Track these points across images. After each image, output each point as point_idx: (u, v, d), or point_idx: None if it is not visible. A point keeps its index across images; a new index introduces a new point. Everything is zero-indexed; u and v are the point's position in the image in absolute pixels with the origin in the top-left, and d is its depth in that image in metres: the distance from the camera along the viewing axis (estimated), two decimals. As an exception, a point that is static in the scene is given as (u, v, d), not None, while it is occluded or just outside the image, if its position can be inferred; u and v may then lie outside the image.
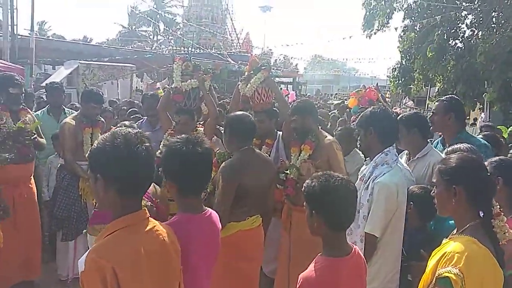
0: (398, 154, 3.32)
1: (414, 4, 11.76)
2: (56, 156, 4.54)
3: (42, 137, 4.13)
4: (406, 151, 3.25)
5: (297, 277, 3.27)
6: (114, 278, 1.37)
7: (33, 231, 3.95)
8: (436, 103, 3.54)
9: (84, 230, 4.08)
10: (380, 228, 2.47)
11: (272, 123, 3.90)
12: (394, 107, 16.73)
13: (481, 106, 11.06)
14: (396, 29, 12.35)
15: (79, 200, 4.04)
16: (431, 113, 3.70)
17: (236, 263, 2.84)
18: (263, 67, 3.85)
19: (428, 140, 3.24)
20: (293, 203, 3.34)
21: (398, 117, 3.08)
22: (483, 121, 12.20)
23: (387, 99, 19.82)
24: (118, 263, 1.38)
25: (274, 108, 4.01)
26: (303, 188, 1.85)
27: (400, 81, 13.16)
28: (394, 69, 13.40)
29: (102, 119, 4.41)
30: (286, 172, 3.35)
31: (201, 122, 4.21)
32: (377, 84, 16.26)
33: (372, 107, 2.89)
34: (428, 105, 15.69)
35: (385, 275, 2.53)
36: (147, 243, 1.49)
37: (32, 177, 4.02)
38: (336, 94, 32.84)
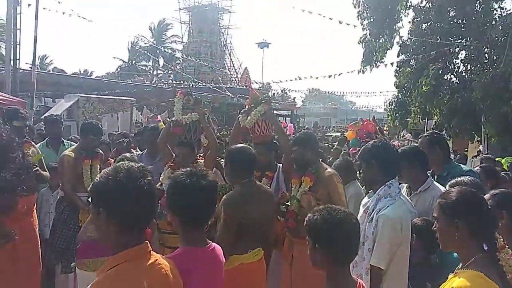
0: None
1: (409, 41, 12.05)
2: (48, 189, 4.52)
3: (45, 170, 4.13)
4: (405, 185, 3.25)
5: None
6: None
7: (33, 265, 3.87)
8: (420, 140, 3.68)
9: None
10: (386, 260, 2.47)
11: (272, 156, 3.93)
12: (392, 140, 16.88)
13: (479, 138, 11.14)
14: (392, 64, 12.62)
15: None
16: None
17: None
18: (263, 101, 3.91)
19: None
20: (294, 236, 3.31)
21: (399, 151, 3.11)
22: (482, 154, 12.29)
23: (384, 132, 20.00)
24: None
25: (274, 141, 4.05)
26: (305, 221, 1.85)
27: (397, 115, 13.31)
28: (391, 103, 13.58)
29: (101, 151, 4.42)
30: (286, 204, 3.34)
31: (201, 154, 4.24)
32: (373, 116, 16.44)
33: (372, 140, 2.91)
34: (425, 137, 15.80)
35: None
36: (149, 277, 1.47)
37: (34, 209, 3.99)
38: (334, 126, 33.15)
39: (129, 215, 1.47)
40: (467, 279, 1.63)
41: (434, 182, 3.07)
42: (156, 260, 1.55)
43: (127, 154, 5.14)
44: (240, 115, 4.07)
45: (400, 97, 13.03)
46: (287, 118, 30.81)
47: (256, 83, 30.21)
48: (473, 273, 1.65)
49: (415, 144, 3.29)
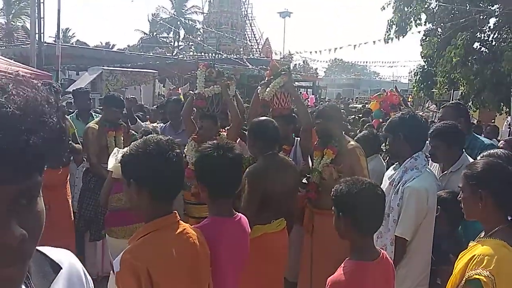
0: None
1: (437, 8, 11.60)
2: (73, 163, 4.63)
3: (78, 143, 4.24)
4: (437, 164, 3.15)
5: (319, 280, 3.29)
6: (148, 278, 1.43)
7: (67, 235, 4.04)
8: (443, 109, 3.51)
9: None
10: (411, 231, 2.49)
11: (290, 129, 3.90)
12: (416, 111, 16.56)
13: (508, 109, 10.82)
14: (419, 32, 12.24)
15: None
16: (438, 119, 3.65)
17: (261, 266, 2.84)
18: (283, 72, 3.87)
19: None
20: (315, 207, 3.36)
21: (435, 131, 2.97)
22: (509, 125, 11.94)
23: (409, 103, 19.58)
24: (152, 265, 1.45)
25: (293, 114, 4.03)
26: (332, 192, 1.87)
27: (423, 85, 12.99)
28: (416, 73, 13.24)
29: (124, 123, 4.49)
30: (308, 175, 3.36)
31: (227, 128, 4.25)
32: (395, 86, 16.05)
33: (400, 112, 2.86)
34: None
35: (414, 278, 2.54)
36: (178, 245, 1.55)
37: (67, 181, 4.13)
38: (357, 97, 32.61)
39: (159, 186, 1.53)
40: (491, 247, 1.65)
41: (468, 159, 2.87)
42: (184, 229, 1.62)
43: (150, 126, 5.21)
44: (259, 87, 4.04)
45: (426, 67, 12.68)
46: (308, 90, 30.47)
47: (276, 54, 29.89)
48: (497, 242, 1.68)
49: (448, 123, 3.02)
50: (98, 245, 4.25)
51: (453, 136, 2.89)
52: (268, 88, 3.82)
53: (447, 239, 2.51)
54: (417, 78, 13.15)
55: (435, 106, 17.13)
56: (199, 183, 1.93)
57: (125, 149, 1.62)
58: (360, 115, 9.17)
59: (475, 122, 9.79)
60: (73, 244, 4.12)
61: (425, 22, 12.27)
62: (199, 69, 4.13)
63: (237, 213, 2.01)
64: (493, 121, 13.75)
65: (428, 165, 3.28)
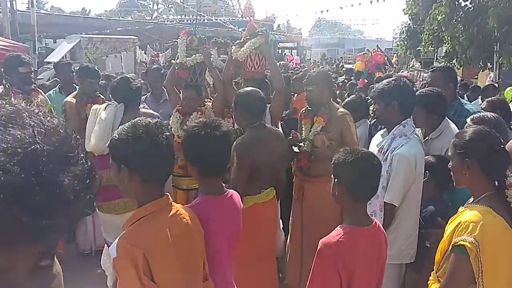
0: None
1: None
2: None
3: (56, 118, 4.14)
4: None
5: (311, 246, 3.35)
6: (145, 262, 1.45)
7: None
8: (431, 73, 3.41)
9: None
10: (399, 197, 2.52)
11: None
12: (401, 70, 16.53)
13: (491, 65, 10.87)
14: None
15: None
16: (426, 83, 3.57)
17: (253, 236, 2.87)
18: (260, 33, 3.71)
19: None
20: (306, 175, 3.37)
21: (418, 97, 2.90)
22: (492, 81, 12.03)
23: (393, 62, 19.53)
24: (148, 249, 1.46)
25: (266, 80, 3.91)
26: (332, 160, 1.90)
27: (408, 43, 12.92)
28: (401, 32, 13.11)
29: (101, 95, 4.37)
30: (299, 144, 3.33)
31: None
32: (377, 46, 15.85)
33: (393, 79, 2.77)
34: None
35: (403, 241, 2.59)
36: (172, 227, 1.55)
37: None
38: (342, 57, 32.39)
39: (150, 170, 1.52)
40: (476, 213, 1.71)
41: (448, 126, 2.89)
42: (177, 210, 1.62)
43: None
44: (233, 46, 3.86)
45: (411, 25, 12.55)
46: (293, 51, 30.11)
47: (254, 15, 29.11)
48: (483, 208, 1.73)
49: (432, 90, 2.94)
50: (89, 220, 4.22)
51: (434, 104, 2.87)
52: (243, 48, 3.65)
53: (435, 202, 2.55)
54: (403, 37, 13.04)
55: (419, 64, 17.17)
56: (188, 162, 1.91)
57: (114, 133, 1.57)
58: (347, 78, 9.10)
59: (459, 80, 9.81)
60: None
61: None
62: (179, 37, 3.96)
63: (228, 190, 2.00)
64: (476, 77, 13.85)
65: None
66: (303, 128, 3.47)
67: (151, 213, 1.53)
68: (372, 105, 2.81)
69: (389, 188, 2.53)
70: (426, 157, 2.68)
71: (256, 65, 3.69)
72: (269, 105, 3.67)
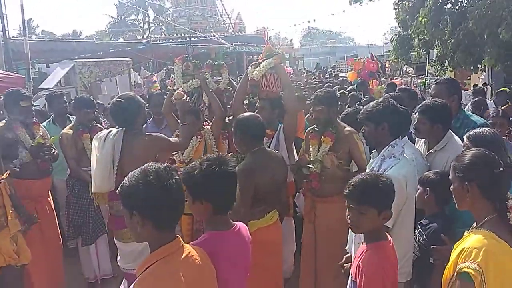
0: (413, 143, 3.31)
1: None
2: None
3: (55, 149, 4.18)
4: (422, 140, 3.16)
5: (324, 266, 3.37)
6: None
7: (55, 243, 4.03)
8: (435, 86, 3.43)
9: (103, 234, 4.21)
10: (392, 219, 2.49)
11: (274, 113, 3.81)
12: (394, 77, 16.65)
13: (482, 67, 10.96)
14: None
15: (92, 205, 4.11)
16: (430, 96, 3.61)
17: (259, 260, 2.87)
18: (276, 54, 3.78)
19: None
20: (317, 196, 3.39)
21: (423, 106, 2.94)
22: (484, 83, 12.12)
23: (386, 68, 19.66)
24: None
25: (280, 100, 3.94)
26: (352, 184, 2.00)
27: (400, 50, 13.02)
28: (392, 40, 13.22)
29: (99, 124, 4.39)
30: (308, 166, 3.34)
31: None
32: (371, 54, 16.00)
33: (381, 100, 2.78)
34: (428, 70, 15.58)
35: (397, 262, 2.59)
36: (185, 270, 1.55)
37: (50, 190, 4.09)
38: (335, 66, 32.61)
39: (162, 215, 1.53)
40: (479, 239, 1.70)
41: (453, 137, 2.90)
42: (189, 252, 1.63)
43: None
44: (249, 67, 3.93)
45: (401, 32, 12.66)
46: (285, 62, 30.21)
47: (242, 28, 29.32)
48: (486, 233, 1.72)
49: (438, 101, 2.99)
50: (92, 249, 4.25)
51: (439, 115, 2.89)
52: (259, 67, 3.71)
53: (437, 219, 2.56)
54: (395, 44, 13.14)
55: (412, 69, 17.31)
56: (198, 200, 1.88)
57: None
58: (348, 89, 9.12)
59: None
60: (60, 252, 4.13)
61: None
62: (175, 63, 4.03)
63: (235, 223, 2.00)
64: (468, 78, 13.96)
65: (415, 140, 3.33)
66: (311, 149, 3.50)
67: (164, 257, 1.54)
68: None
69: None
70: (426, 173, 2.69)
71: (271, 84, 3.73)
72: (282, 125, 3.76)
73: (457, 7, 10.37)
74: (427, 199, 2.60)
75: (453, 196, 1.90)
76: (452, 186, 1.90)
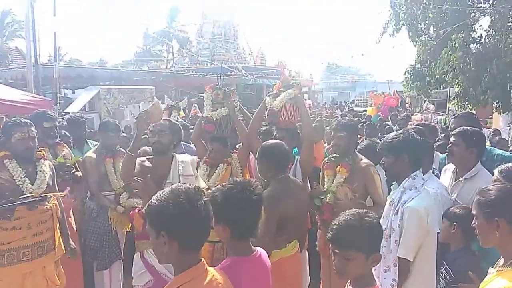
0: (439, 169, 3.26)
1: (431, 8, 11.65)
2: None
3: (79, 171, 4.24)
4: (451, 168, 3.12)
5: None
6: None
7: (74, 264, 4.02)
8: (455, 120, 3.47)
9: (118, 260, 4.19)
10: (413, 252, 2.48)
11: (292, 144, 3.81)
12: (415, 113, 16.59)
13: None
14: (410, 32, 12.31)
15: (110, 230, 4.13)
16: (450, 130, 3.59)
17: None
18: (295, 84, 3.83)
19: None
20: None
21: (461, 130, 2.93)
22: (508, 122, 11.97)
23: (406, 104, 19.62)
24: None
25: (297, 131, 3.98)
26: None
27: (414, 84, 12.95)
28: (406, 72, 13.09)
29: (121, 149, 4.42)
30: (321, 197, 3.29)
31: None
32: (394, 90, 15.98)
33: (401, 132, 2.78)
34: (448, 108, 15.47)
35: None
36: None
37: (71, 210, 4.09)
38: (354, 100, 32.70)
39: (190, 236, 1.50)
40: (509, 280, 1.61)
41: (483, 169, 2.89)
42: (213, 276, 1.60)
43: (147, 148, 5.07)
44: (266, 97, 3.96)
45: (418, 67, 12.60)
46: (304, 95, 30.48)
47: (271, 60, 29.74)
48: None
49: (475, 128, 3.04)
50: (105, 274, 4.24)
51: (475, 140, 2.88)
52: (279, 98, 3.74)
53: (464, 255, 2.51)
54: (409, 76, 13.07)
55: (433, 106, 17.23)
56: (221, 223, 1.87)
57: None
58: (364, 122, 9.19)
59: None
60: (80, 272, 4.10)
61: (419, 22, 12.35)
62: (205, 91, 4.09)
63: (256, 248, 1.99)
64: (490, 117, 13.79)
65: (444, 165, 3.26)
66: (326, 179, 3.45)
67: (188, 281, 1.51)
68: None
69: (401, 243, 2.49)
70: (452, 208, 2.65)
71: (290, 115, 3.75)
72: (299, 157, 3.73)
73: (480, 45, 10.37)
74: (454, 234, 2.55)
75: (478, 233, 1.83)
76: (477, 222, 1.84)
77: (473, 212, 1.86)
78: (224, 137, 3.90)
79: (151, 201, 1.54)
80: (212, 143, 3.79)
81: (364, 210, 1.85)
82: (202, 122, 3.99)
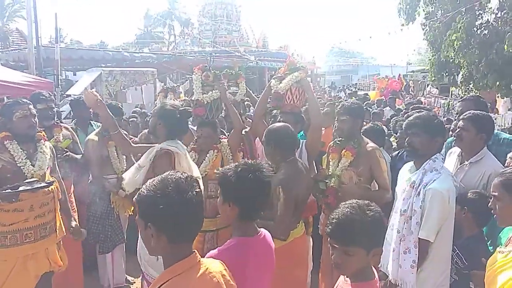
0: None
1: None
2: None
3: (80, 152, 4.19)
4: (456, 152, 3.08)
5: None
6: None
7: (74, 247, 4.02)
8: (462, 103, 3.42)
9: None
10: (434, 233, 2.47)
11: (297, 128, 3.63)
12: (417, 97, 16.46)
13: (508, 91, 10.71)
14: (418, 15, 12.17)
15: (112, 213, 4.13)
16: (456, 114, 3.54)
17: (292, 271, 2.83)
18: (301, 67, 3.69)
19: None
20: None
21: (471, 114, 2.88)
22: (507, 106, 11.88)
23: (410, 89, 19.48)
24: None
25: (301, 115, 3.87)
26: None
27: (439, 75, 12.83)
28: (431, 64, 12.89)
29: (124, 131, 4.40)
30: (325, 181, 3.23)
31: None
32: (399, 74, 15.88)
33: (432, 114, 2.77)
34: (452, 92, 15.35)
35: (435, 280, 2.54)
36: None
37: (71, 194, 3.98)
38: (356, 84, 32.48)
39: (179, 228, 1.41)
40: None
41: (489, 153, 2.86)
42: (207, 269, 1.50)
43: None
44: (272, 80, 3.81)
45: (438, 56, 12.38)
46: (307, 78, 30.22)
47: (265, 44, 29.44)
48: None
49: (485, 113, 2.99)
50: (108, 257, 4.27)
51: (486, 125, 2.86)
52: (285, 80, 3.61)
53: (477, 242, 2.48)
54: (433, 69, 12.84)
55: (436, 90, 17.09)
56: (231, 202, 1.85)
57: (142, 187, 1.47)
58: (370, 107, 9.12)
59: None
60: (80, 255, 4.10)
61: (426, 5, 12.18)
62: (194, 73, 3.83)
63: (260, 229, 1.97)
64: (493, 100, 13.70)
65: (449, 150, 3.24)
66: (331, 163, 3.40)
67: (179, 274, 1.41)
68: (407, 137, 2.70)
69: (424, 224, 2.48)
70: (462, 192, 2.63)
71: (295, 98, 3.64)
72: (305, 141, 3.64)
73: (487, 31, 10.21)
74: (465, 219, 2.53)
75: (498, 214, 1.83)
76: (498, 204, 1.83)
77: (495, 193, 1.85)
78: (213, 121, 3.70)
79: (141, 190, 1.45)
80: (201, 128, 3.60)
81: (366, 202, 1.70)
82: (191, 105, 3.74)
